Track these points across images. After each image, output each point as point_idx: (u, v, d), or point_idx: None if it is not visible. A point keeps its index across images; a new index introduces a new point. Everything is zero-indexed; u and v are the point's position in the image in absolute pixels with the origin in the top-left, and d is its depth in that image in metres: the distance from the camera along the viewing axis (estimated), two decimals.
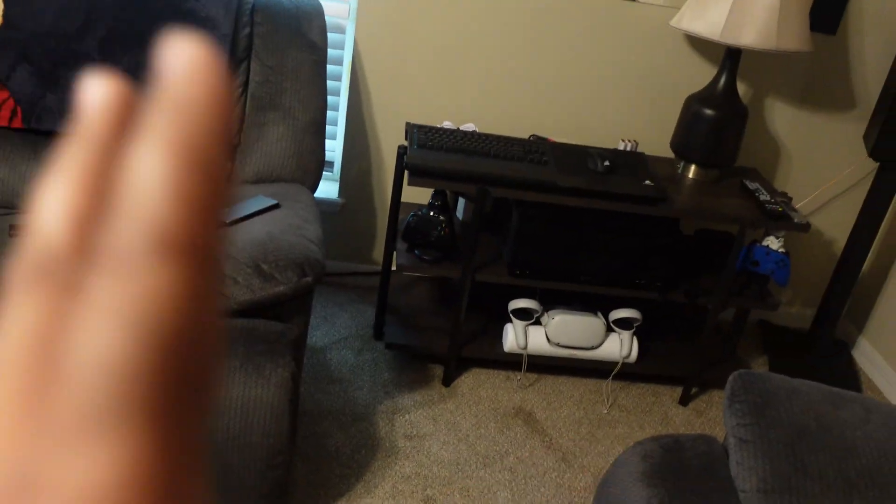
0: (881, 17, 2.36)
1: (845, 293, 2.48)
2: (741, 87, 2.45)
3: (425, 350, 2.28)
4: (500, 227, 2.30)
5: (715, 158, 2.23)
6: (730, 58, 2.18)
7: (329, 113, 2.44)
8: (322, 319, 2.41)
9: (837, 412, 1.29)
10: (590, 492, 1.97)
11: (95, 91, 0.21)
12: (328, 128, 2.46)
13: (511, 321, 2.25)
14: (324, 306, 2.47)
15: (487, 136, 2.15)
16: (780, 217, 2.12)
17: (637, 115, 2.45)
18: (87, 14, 1.93)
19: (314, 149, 2.06)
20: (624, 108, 2.44)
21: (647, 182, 2.08)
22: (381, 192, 2.52)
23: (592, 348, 2.27)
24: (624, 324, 2.30)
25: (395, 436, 2.03)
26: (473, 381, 2.27)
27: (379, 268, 2.62)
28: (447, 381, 2.25)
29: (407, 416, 2.10)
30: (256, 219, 1.76)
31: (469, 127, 2.28)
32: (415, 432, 2.06)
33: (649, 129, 2.47)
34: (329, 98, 2.41)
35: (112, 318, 0.17)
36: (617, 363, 2.28)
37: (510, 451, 2.06)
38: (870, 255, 2.69)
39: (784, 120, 2.49)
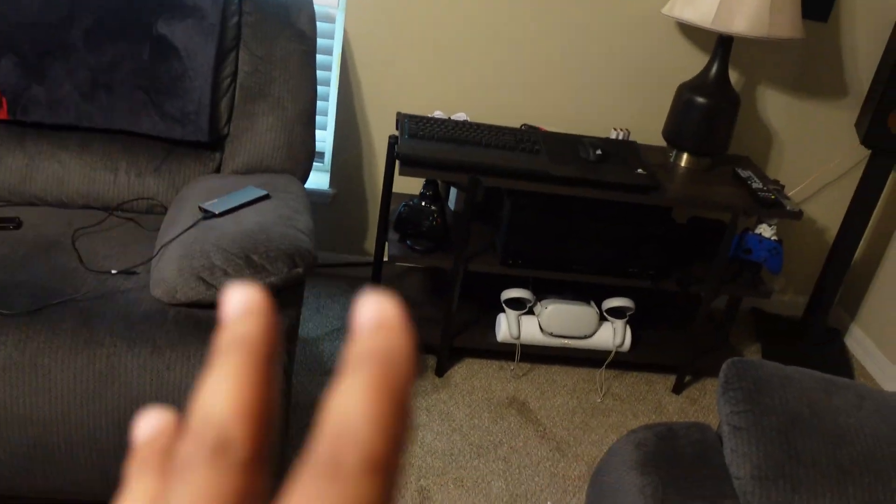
0: (872, 4, 2.36)
1: (838, 281, 2.48)
2: (733, 75, 2.44)
3: (418, 341, 2.27)
4: (493, 216, 2.29)
5: (707, 147, 2.22)
6: (721, 45, 2.17)
7: (319, 103, 2.42)
8: (314, 311, 2.40)
9: (831, 399, 1.29)
10: (584, 480, 1.97)
11: (241, 298, 0.24)
12: (318, 118, 2.45)
13: (504, 311, 2.25)
14: (316, 298, 2.46)
15: (479, 125, 2.13)
16: (773, 205, 2.11)
17: (629, 103, 2.44)
18: (72, 4, 1.91)
19: (304, 139, 2.04)
20: (616, 96, 2.43)
21: (640, 171, 2.07)
22: (372, 182, 2.51)
23: (585, 337, 2.26)
24: (617, 313, 2.29)
25: None
26: (466, 372, 2.27)
27: (371, 258, 2.61)
28: (440, 372, 2.24)
29: (417, 386, 2.09)
30: (246, 210, 1.75)
31: (460, 116, 2.27)
32: None
33: (641, 118, 2.46)
34: (319, 88, 2.39)
35: None
36: (610, 352, 2.28)
37: (504, 440, 2.05)
38: (862, 242, 2.69)
39: (776, 108, 2.49)
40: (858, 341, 2.67)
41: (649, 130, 2.48)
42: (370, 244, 2.60)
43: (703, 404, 2.31)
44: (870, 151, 2.35)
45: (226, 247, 1.59)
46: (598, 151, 2.07)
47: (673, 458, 1.31)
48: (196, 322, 1.58)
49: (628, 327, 2.28)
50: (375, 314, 0.23)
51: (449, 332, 2.20)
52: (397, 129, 2.13)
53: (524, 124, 2.34)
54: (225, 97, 2.02)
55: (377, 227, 2.25)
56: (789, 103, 2.49)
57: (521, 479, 1.95)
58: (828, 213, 2.65)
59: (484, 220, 2.31)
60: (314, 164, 2.43)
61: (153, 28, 1.93)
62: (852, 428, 1.24)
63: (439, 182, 2.20)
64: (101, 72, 1.93)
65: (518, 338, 2.23)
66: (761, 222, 2.21)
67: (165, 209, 1.97)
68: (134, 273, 1.70)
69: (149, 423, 0.24)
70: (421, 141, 2.03)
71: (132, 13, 1.93)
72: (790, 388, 1.30)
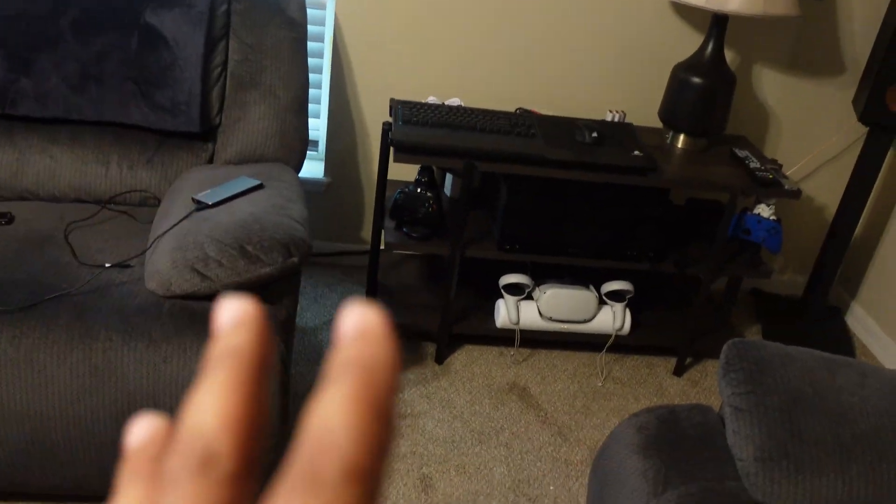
0: None
1: (837, 259, 2.47)
2: (729, 54, 2.42)
3: (417, 328, 2.26)
4: (489, 202, 2.27)
5: (703, 127, 2.20)
6: (716, 24, 2.15)
7: (312, 91, 2.40)
8: (312, 300, 2.39)
9: (833, 378, 1.28)
10: (586, 465, 1.96)
11: (233, 310, 0.24)
12: (311, 106, 2.43)
13: (502, 297, 2.23)
14: (313, 287, 2.45)
15: (473, 110, 2.11)
16: (771, 184, 2.10)
17: (624, 85, 2.42)
18: None
19: (297, 127, 2.02)
20: (611, 78, 2.41)
21: (636, 152, 2.05)
22: (367, 170, 2.49)
23: (585, 321, 2.25)
24: (616, 296, 2.28)
25: None
26: (466, 358, 2.26)
27: (367, 247, 2.59)
28: (440, 359, 2.23)
29: (401, 395, 2.09)
30: (240, 200, 1.73)
31: (454, 101, 2.25)
32: (409, 411, 2.04)
33: (637, 99, 2.44)
34: (311, 76, 2.37)
35: None
36: (610, 336, 2.27)
37: (505, 426, 2.04)
38: (861, 220, 2.68)
39: (773, 86, 2.47)
40: (859, 319, 2.66)
41: (645, 112, 2.46)
42: (366, 232, 2.58)
43: (705, 386, 2.30)
44: (867, 128, 2.34)
45: (220, 238, 1.57)
46: (594, 134, 2.06)
47: (675, 440, 1.30)
48: (191, 314, 1.56)
49: (628, 310, 2.27)
50: (358, 324, 0.23)
51: (448, 319, 2.19)
52: (391, 115, 2.11)
53: (519, 108, 2.32)
54: (216, 87, 2.00)
55: (373, 215, 2.23)
56: (786, 82, 2.47)
57: (524, 464, 1.94)
58: (826, 192, 2.64)
59: (481, 206, 2.29)
60: (308, 152, 2.41)
61: (141, 18, 1.91)
62: (855, 406, 1.23)
63: (435, 168, 2.19)
64: (90, 63, 1.91)
65: (517, 323, 2.22)
66: (760, 202, 2.20)
67: (158, 201, 1.95)
68: (128, 266, 1.68)
69: (140, 430, 0.24)
70: (415, 127, 2.01)
71: (119, 3, 1.91)
72: (792, 368, 1.29)
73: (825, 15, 2.38)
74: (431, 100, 2.24)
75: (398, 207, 2.12)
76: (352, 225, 2.57)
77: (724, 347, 1.34)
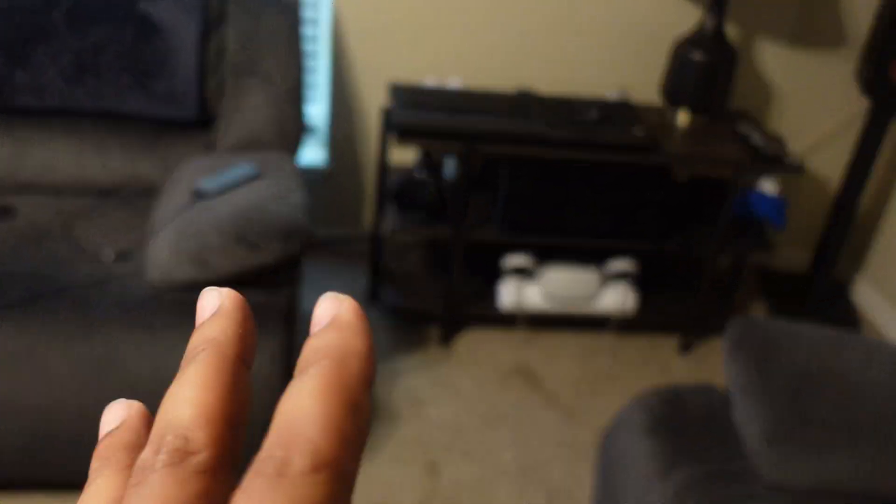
0: None
1: (842, 234, 2.45)
2: (730, 29, 2.39)
3: (422, 312, 2.25)
4: (491, 184, 2.26)
5: (705, 104, 2.18)
6: None
7: (310, 77, 2.38)
8: (315, 287, 2.38)
9: (840, 356, 1.27)
10: (593, 447, 1.95)
11: (213, 300, 0.24)
12: (311, 92, 2.41)
13: (506, 279, 2.22)
14: (317, 274, 2.44)
15: (473, 92, 2.10)
16: (774, 160, 2.08)
17: (624, 62, 2.40)
18: None
19: (295, 114, 2.00)
20: (611, 55, 2.38)
21: (638, 130, 2.03)
22: (368, 155, 2.47)
23: (589, 301, 2.24)
24: (620, 276, 2.27)
25: (394, 401, 2.01)
26: (471, 342, 2.25)
27: (370, 232, 2.58)
28: (444, 343, 2.22)
29: (406, 380, 2.08)
30: (240, 189, 1.72)
31: (454, 80, 2.23)
32: (415, 395, 2.04)
33: (637, 77, 2.41)
34: (309, 62, 2.35)
35: None
36: (614, 316, 2.26)
37: (511, 410, 2.04)
38: (866, 194, 2.66)
39: (775, 61, 2.44)
40: (866, 295, 2.65)
41: (646, 89, 2.43)
42: (369, 218, 2.57)
43: (711, 364, 2.29)
44: (871, 101, 2.31)
45: (220, 227, 1.56)
46: (595, 113, 2.04)
47: (681, 422, 1.29)
48: (193, 304, 1.54)
49: (632, 290, 2.25)
50: (331, 313, 0.23)
51: (451, 303, 2.18)
52: (391, 99, 2.09)
53: (519, 87, 2.29)
54: (213, 75, 1.98)
55: (375, 201, 2.22)
56: (788, 56, 2.44)
57: (530, 448, 1.93)
58: (830, 166, 2.61)
59: (483, 189, 2.27)
60: (308, 139, 2.40)
61: (135, 7, 1.89)
62: (863, 384, 1.22)
63: (435, 152, 2.17)
64: (85, 54, 1.89)
65: (521, 305, 2.21)
66: (763, 178, 2.18)
67: (158, 191, 1.94)
68: (129, 258, 1.68)
69: (114, 416, 0.24)
70: (415, 111, 1.99)
71: None
72: (798, 346, 1.28)
73: None
74: (430, 80, 2.22)
75: (399, 192, 2.11)
76: (354, 211, 2.56)
77: (729, 326, 1.33)
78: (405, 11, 2.28)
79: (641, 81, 2.42)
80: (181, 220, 1.62)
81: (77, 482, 1.58)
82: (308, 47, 2.33)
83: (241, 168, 1.77)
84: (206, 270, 1.53)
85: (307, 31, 2.30)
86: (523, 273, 2.23)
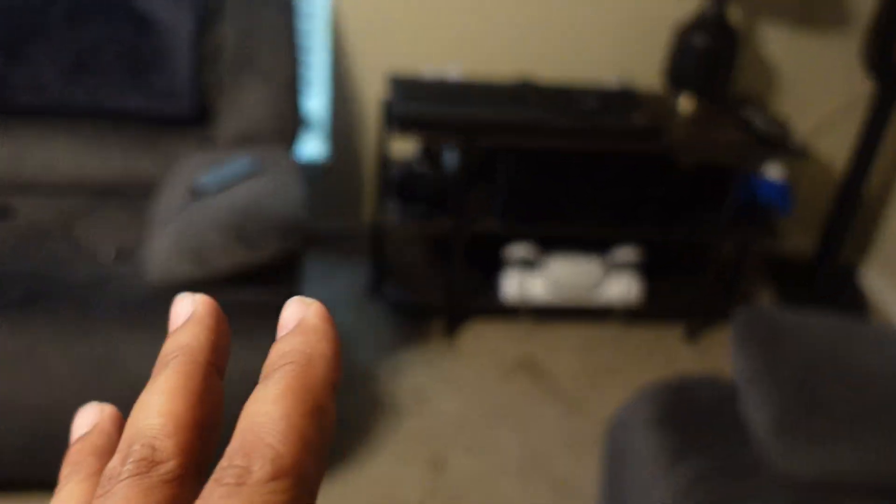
0: None
1: (849, 218, 2.42)
2: (732, 12, 2.35)
3: (424, 305, 2.24)
4: (492, 175, 2.24)
5: (708, 88, 2.15)
6: None
7: (309, 70, 2.36)
8: (316, 282, 2.37)
9: (848, 344, 1.25)
10: (598, 439, 1.94)
11: (186, 306, 0.23)
12: (309, 86, 2.38)
13: (509, 270, 2.20)
14: (318, 268, 2.42)
15: (472, 82, 2.07)
16: (779, 145, 2.05)
17: (625, 47, 2.37)
18: None
19: (293, 108, 1.98)
20: (611, 41, 2.35)
21: (639, 117, 2.01)
22: (368, 148, 2.45)
23: (593, 291, 2.22)
24: (624, 265, 2.25)
25: (398, 395, 2.00)
26: (475, 334, 2.24)
27: (371, 225, 2.56)
28: (448, 336, 2.21)
29: (409, 374, 2.07)
30: (238, 185, 1.70)
31: (453, 69, 2.20)
32: (418, 389, 2.02)
33: (639, 63, 2.38)
34: (308, 55, 2.33)
35: None
36: (619, 305, 2.24)
37: (516, 403, 2.02)
38: (872, 177, 2.63)
39: (778, 43, 2.41)
40: (873, 279, 2.62)
41: (648, 75, 2.40)
42: (369, 211, 2.55)
43: (718, 353, 2.27)
44: (875, 83, 2.28)
45: (217, 224, 1.54)
46: (596, 101, 2.01)
47: (687, 414, 1.27)
48: None
49: (636, 279, 2.23)
50: (297, 317, 0.23)
51: (454, 296, 2.16)
52: (390, 91, 2.07)
53: (519, 75, 2.27)
54: (211, 71, 1.96)
55: (375, 194, 2.20)
56: (791, 38, 2.40)
57: (535, 440, 1.92)
58: (835, 150, 2.58)
59: (484, 180, 2.25)
60: (307, 132, 2.38)
61: (131, 4, 1.87)
62: (872, 374, 1.20)
63: (436, 144, 2.15)
64: (83, 53, 1.88)
65: (524, 297, 2.19)
66: (768, 163, 2.15)
67: (157, 189, 1.93)
68: (128, 257, 1.66)
69: (85, 420, 0.24)
70: (414, 103, 1.97)
71: None
72: (805, 336, 1.26)
73: None
74: (429, 68, 2.20)
75: (400, 185, 2.09)
76: (355, 204, 2.54)
77: (736, 317, 1.31)
78: (403, 0, 2.25)
79: (643, 67, 2.39)
80: (180, 218, 1.60)
81: None
82: (306, 40, 2.30)
83: (239, 164, 1.76)
84: (206, 269, 1.52)
85: (304, 24, 2.28)
86: (526, 264, 2.21)
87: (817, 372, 1.21)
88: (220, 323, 0.23)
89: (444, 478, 1.80)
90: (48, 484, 1.59)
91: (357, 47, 2.31)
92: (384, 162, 2.15)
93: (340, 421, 1.91)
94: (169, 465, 0.20)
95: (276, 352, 0.22)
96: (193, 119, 1.95)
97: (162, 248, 1.55)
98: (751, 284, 2.58)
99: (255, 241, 1.52)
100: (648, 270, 2.36)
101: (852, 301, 2.54)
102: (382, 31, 2.29)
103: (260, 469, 0.19)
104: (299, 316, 0.23)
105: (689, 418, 1.27)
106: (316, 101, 2.41)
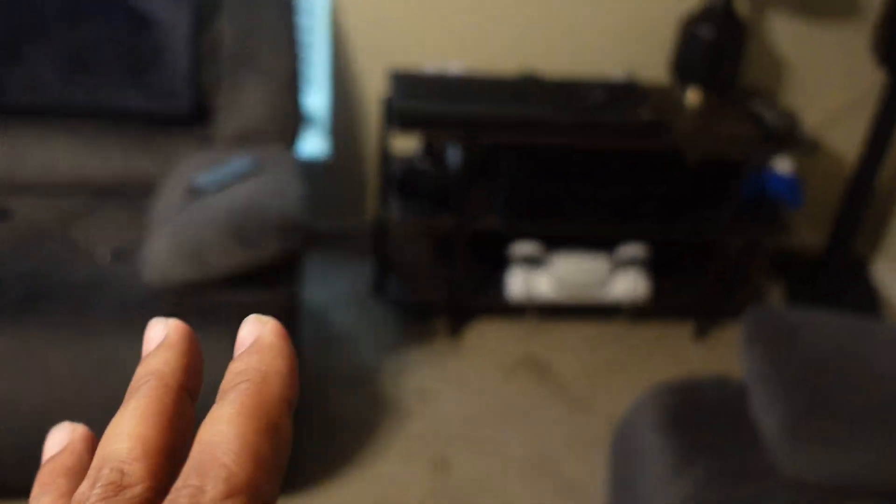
0: None
1: (860, 211, 2.38)
2: (739, 2, 2.31)
3: (428, 304, 2.21)
4: (495, 171, 2.21)
5: (715, 81, 2.11)
6: None
7: (310, 67, 2.33)
8: (319, 281, 2.34)
9: (860, 344, 1.22)
10: (605, 438, 1.91)
11: (159, 331, 0.24)
12: (311, 82, 2.36)
13: (514, 268, 2.18)
14: (320, 267, 2.40)
15: (474, 77, 2.04)
16: (788, 138, 2.01)
17: (630, 40, 2.33)
18: None
19: (294, 106, 1.96)
20: (616, 33, 2.32)
21: (645, 112, 1.97)
22: (370, 145, 2.42)
23: (599, 289, 2.19)
24: (631, 262, 2.21)
25: (402, 395, 1.97)
26: (479, 333, 2.21)
27: (373, 223, 2.53)
28: (453, 335, 2.18)
29: (414, 374, 2.04)
30: (237, 184, 1.67)
31: (455, 65, 2.17)
32: (423, 389, 2.00)
33: (644, 56, 2.35)
34: (308, 51, 2.30)
35: None
36: (626, 303, 2.21)
37: (521, 401, 2.00)
38: (884, 169, 2.59)
39: (786, 34, 2.37)
40: (885, 274, 2.58)
41: (654, 69, 2.37)
42: (371, 209, 2.52)
43: (727, 350, 2.23)
44: (887, 74, 2.24)
45: (216, 224, 1.52)
46: (601, 95, 1.98)
47: (696, 416, 1.24)
48: (190, 305, 1.52)
49: (643, 276, 2.20)
50: (254, 336, 0.23)
51: (458, 294, 2.13)
52: (391, 88, 2.04)
53: (522, 71, 2.23)
54: (209, 68, 1.93)
55: (377, 191, 2.17)
56: (800, 28, 2.36)
57: (541, 441, 1.89)
58: (846, 142, 2.54)
59: (487, 177, 2.22)
60: (309, 129, 2.35)
61: (130, 3, 1.85)
62: (885, 374, 1.17)
63: (437, 140, 2.12)
64: (80, 51, 1.85)
65: (529, 295, 2.16)
66: (777, 157, 2.12)
67: (156, 188, 1.91)
68: (126, 258, 1.64)
69: (57, 440, 0.24)
70: (415, 99, 1.94)
71: None
72: (816, 336, 1.23)
73: None
74: (431, 65, 2.17)
75: (401, 182, 2.06)
76: (357, 202, 2.52)
77: (745, 316, 1.28)
78: None
79: (648, 60, 2.35)
80: (178, 218, 1.58)
81: None
82: (306, 36, 2.27)
83: (238, 162, 1.73)
84: (204, 270, 1.49)
85: (304, 19, 2.25)
86: (531, 262, 2.18)
87: (828, 373, 1.18)
88: (192, 347, 0.24)
89: (448, 479, 1.78)
90: None
91: (358, 43, 2.28)
92: (385, 159, 2.12)
93: (343, 421, 1.89)
94: (137, 490, 0.20)
95: (232, 371, 0.22)
96: (192, 118, 1.93)
97: (160, 249, 1.52)
98: (760, 280, 2.54)
99: (255, 242, 1.50)
100: (655, 267, 2.32)
101: (864, 295, 2.50)
102: (383, 26, 2.26)
103: (213, 488, 0.19)
104: (256, 334, 0.23)
105: (697, 420, 1.24)
106: (316, 97, 2.38)
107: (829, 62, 2.42)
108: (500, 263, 2.29)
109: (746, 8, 2.33)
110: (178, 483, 0.20)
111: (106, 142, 1.91)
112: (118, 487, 0.20)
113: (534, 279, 2.16)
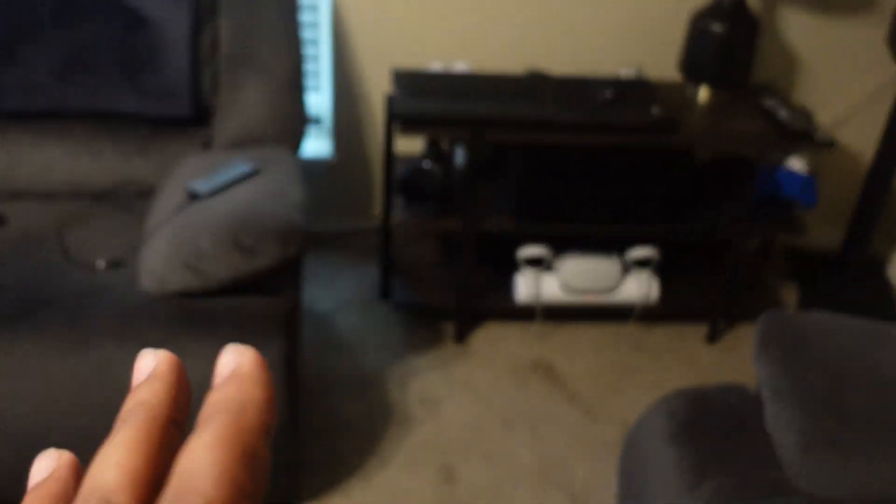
0: None
1: (877, 209, 2.33)
2: None
3: (434, 307, 2.17)
4: (502, 172, 2.16)
5: (727, 78, 2.06)
6: None
7: (313, 66, 2.29)
8: (323, 284, 2.30)
9: (880, 351, 1.16)
10: (616, 445, 1.86)
11: (148, 362, 0.25)
12: (312, 82, 2.32)
13: (522, 271, 2.13)
14: (324, 270, 2.36)
15: (480, 76, 2.00)
16: (802, 136, 1.96)
17: (639, 37, 2.28)
18: None
19: (295, 106, 1.91)
20: (625, 30, 2.27)
21: (656, 110, 1.92)
22: (374, 145, 2.38)
23: (609, 291, 2.14)
24: (641, 263, 2.16)
25: (408, 401, 1.93)
26: (487, 337, 2.16)
27: (378, 225, 2.49)
28: (460, 339, 2.14)
29: (420, 379, 2.00)
30: (236, 188, 1.63)
31: (460, 65, 2.13)
32: (429, 395, 1.96)
33: (654, 52, 2.29)
34: (310, 50, 2.26)
35: None
36: (637, 305, 2.16)
37: (530, 407, 1.95)
38: None
39: (799, 28, 2.31)
40: None
41: (664, 66, 2.31)
42: (376, 210, 2.48)
43: (740, 353, 2.18)
44: None
45: (213, 230, 1.48)
46: (610, 93, 1.93)
47: (709, 427, 1.19)
48: (188, 312, 1.48)
49: (655, 277, 2.15)
50: (231, 366, 0.23)
51: (466, 297, 2.09)
52: (395, 87, 2.00)
53: (529, 68, 2.19)
54: (208, 69, 1.90)
55: (382, 192, 2.13)
56: (813, 22, 2.30)
57: (551, 448, 1.85)
58: (862, 139, 2.48)
59: (494, 177, 2.17)
60: (312, 130, 2.31)
61: (125, 3, 1.81)
62: None
63: (442, 140, 2.07)
64: (75, 52, 1.82)
65: (538, 297, 2.12)
66: (791, 155, 2.06)
67: (154, 192, 1.87)
68: (122, 265, 1.60)
69: (42, 466, 0.24)
70: (419, 98, 1.90)
71: None
72: (834, 342, 1.17)
73: None
74: (436, 65, 2.12)
75: (406, 183, 2.02)
76: (362, 203, 2.47)
77: (759, 322, 1.23)
78: None
79: (658, 57, 2.30)
80: (175, 224, 1.54)
81: None
82: (308, 35, 2.23)
83: (237, 165, 1.69)
84: (201, 277, 1.45)
85: (306, 17, 2.21)
86: (540, 264, 2.13)
87: (845, 382, 1.13)
88: (180, 379, 0.24)
89: (455, 487, 1.74)
90: None
91: (361, 42, 2.23)
92: (390, 159, 2.08)
93: (347, 427, 1.85)
94: None
95: (210, 402, 0.22)
96: (191, 119, 1.89)
97: (156, 257, 1.49)
98: (774, 281, 2.49)
99: (253, 248, 1.46)
100: (667, 269, 2.27)
101: (881, 295, 2.44)
102: (387, 25, 2.21)
103: None
104: (234, 364, 0.23)
105: (711, 432, 1.19)
106: (320, 97, 2.34)
107: (844, 57, 2.36)
108: (507, 265, 2.24)
109: (758, 2, 2.27)
110: None
111: (103, 145, 1.88)
112: None
113: (543, 282, 2.12)
